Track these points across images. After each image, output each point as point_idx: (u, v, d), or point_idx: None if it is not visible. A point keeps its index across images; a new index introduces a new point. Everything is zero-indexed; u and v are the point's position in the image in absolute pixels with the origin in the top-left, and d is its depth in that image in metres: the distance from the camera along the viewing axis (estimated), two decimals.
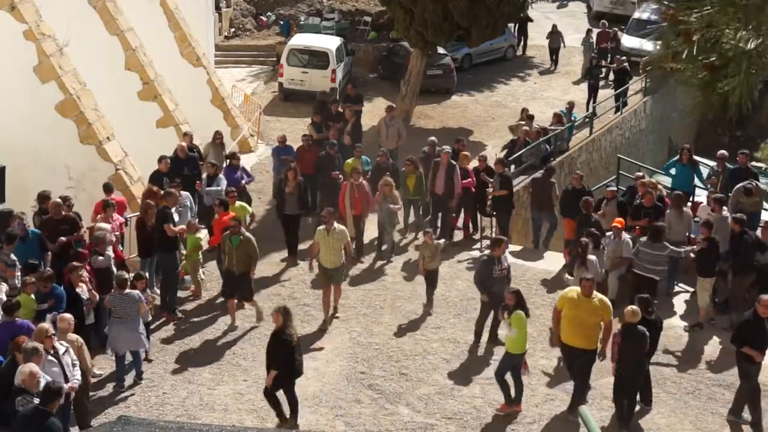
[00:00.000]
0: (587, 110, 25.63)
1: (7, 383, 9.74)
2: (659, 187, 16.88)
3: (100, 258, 13.32)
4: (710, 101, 5.18)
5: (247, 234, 14.17)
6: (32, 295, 11.77)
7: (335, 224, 14.13)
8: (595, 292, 11.61)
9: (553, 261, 16.99)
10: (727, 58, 4.83)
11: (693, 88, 5.24)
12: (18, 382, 9.43)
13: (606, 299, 11.78)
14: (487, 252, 14.66)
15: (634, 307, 11.47)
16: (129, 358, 12.53)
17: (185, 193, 15.89)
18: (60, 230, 13.75)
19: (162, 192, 15.35)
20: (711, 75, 4.93)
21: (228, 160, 17.79)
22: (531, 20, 32.57)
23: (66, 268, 12.63)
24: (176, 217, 14.96)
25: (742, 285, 14.39)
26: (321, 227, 14.24)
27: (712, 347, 13.96)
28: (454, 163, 17.43)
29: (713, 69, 4.91)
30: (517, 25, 32.46)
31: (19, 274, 12.48)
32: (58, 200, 14.05)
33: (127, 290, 12.22)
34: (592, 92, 26.62)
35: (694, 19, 4.85)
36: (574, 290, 11.74)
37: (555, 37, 31.37)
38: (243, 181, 17.52)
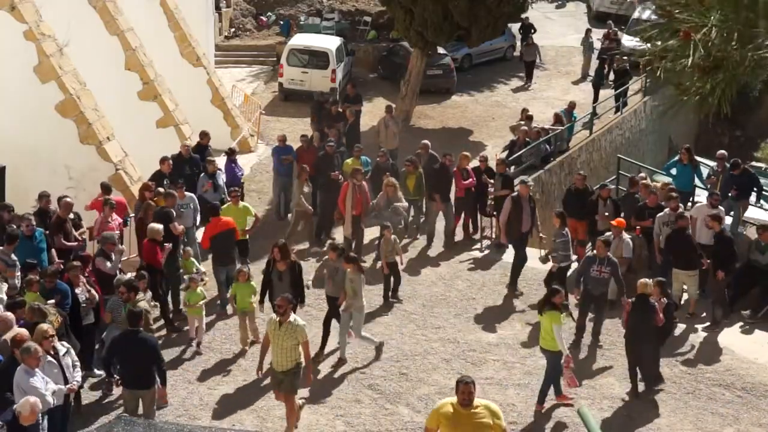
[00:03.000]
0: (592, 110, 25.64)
1: (6, 381, 9.72)
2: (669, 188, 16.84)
3: (108, 264, 13.25)
4: (689, 101, 5.13)
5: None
6: (38, 293, 11.76)
7: (292, 316, 11.10)
8: (477, 399, 8.80)
9: None
10: (716, 60, 4.80)
11: (677, 88, 5.19)
12: (17, 411, 8.91)
13: (491, 404, 9.00)
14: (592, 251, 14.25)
15: (647, 279, 12.43)
16: None
17: (189, 195, 15.89)
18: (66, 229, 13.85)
19: (158, 189, 15.42)
20: (701, 76, 4.90)
21: (226, 156, 17.94)
22: (534, 30, 31.81)
23: (66, 266, 12.64)
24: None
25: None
26: (274, 316, 11.26)
27: (712, 347, 13.95)
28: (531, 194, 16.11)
29: (704, 70, 4.88)
30: (521, 31, 31.92)
31: (19, 274, 12.49)
32: (69, 200, 14.10)
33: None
34: (596, 92, 26.72)
35: (691, 17, 4.82)
36: (448, 403, 8.86)
37: (530, 50, 29.72)
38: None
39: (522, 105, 26.20)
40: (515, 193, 15.92)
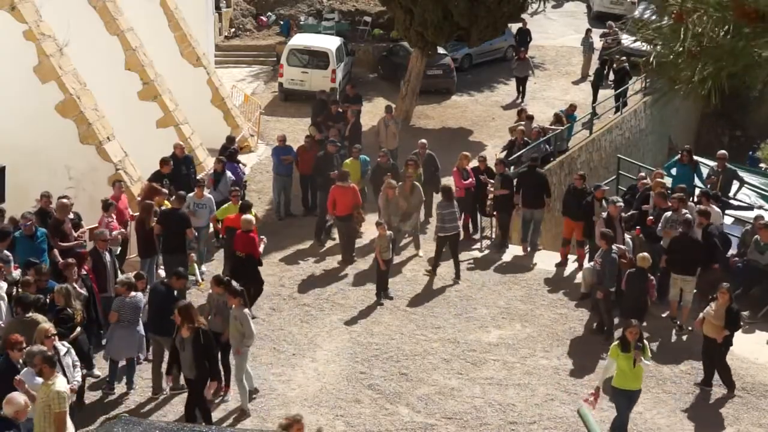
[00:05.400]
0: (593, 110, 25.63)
1: (4, 381, 9.70)
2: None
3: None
4: (679, 91, 5.07)
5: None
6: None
7: (53, 378, 9.25)
8: None
9: (552, 260, 16.99)
10: (706, 48, 4.73)
11: (665, 77, 5.11)
12: (7, 413, 8.68)
13: None
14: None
15: (646, 254, 13.34)
16: (122, 362, 12.53)
17: (207, 196, 16.00)
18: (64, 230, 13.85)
19: (162, 190, 15.51)
20: (691, 62, 4.82)
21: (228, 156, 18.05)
22: (530, 38, 31.48)
23: (61, 264, 12.64)
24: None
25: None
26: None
27: None
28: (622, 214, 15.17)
29: (694, 56, 4.81)
30: (517, 36, 31.38)
31: (17, 272, 12.49)
32: (65, 201, 14.08)
33: (132, 294, 12.18)
34: (596, 92, 26.71)
35: (686, 1, 4.75)
36: None
37: (523, 65, 27.85)
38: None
39: (522, 105, 26.21)
40: (605, 214, 15.00)
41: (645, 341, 11.40)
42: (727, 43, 4.53)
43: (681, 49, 4.63)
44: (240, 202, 15.81)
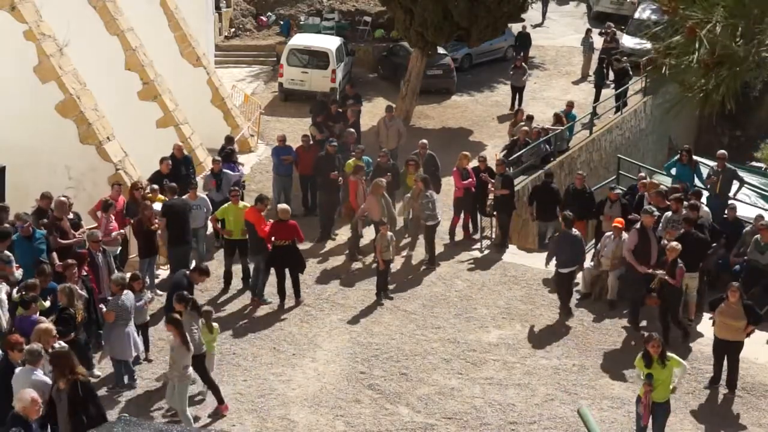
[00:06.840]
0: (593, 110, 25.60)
1: (4, 382, 9.71)
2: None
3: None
4: (693, 98, 5.11)
5: None
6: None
7: None
8: None
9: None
10: (720, 56, 4.78)
11: (681, 85, 5.15)
12: (18, 410, 8.72)
13: None
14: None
15: (677, 244, 13.48)
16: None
17: (202, 196, 16.02)
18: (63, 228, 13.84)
19: (153, 186, 15.62)
20: (705, 72, 4.88)
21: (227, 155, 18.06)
22: (530, 42, 31.37)
23: (61, 264, 12.63)
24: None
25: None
26: None
27: (711, 347, 13.93)
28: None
29: (709, 66, 4.87)
30: (517, 41, 31.13)
31: (20, 272, 12.48)
32: (63, 199, 14.07)
33: (126, 292, 12.18)
34: (598, 92, 26.68)
35: (696, 13, 4.80)
36: None
37: (518, 73, 26.83)
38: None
39: (522, 105, 26.19)
40: (638, 224, 14.40)
41: (671, 354, 11.19)
42: (741, 49, 4.58)
43: (695, 60, 4.68)
44: (240, 201, 15.82)
